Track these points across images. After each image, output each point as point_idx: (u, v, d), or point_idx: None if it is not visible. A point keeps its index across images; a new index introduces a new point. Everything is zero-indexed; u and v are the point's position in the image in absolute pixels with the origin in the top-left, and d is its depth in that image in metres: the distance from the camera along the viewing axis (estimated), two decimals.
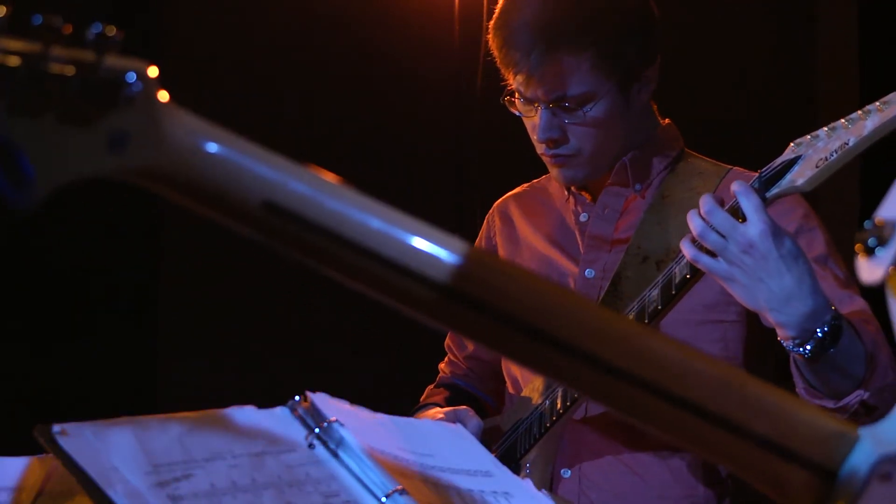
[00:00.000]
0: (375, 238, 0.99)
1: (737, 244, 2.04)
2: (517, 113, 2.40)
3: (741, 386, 1.03)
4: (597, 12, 2.33)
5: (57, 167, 0.89)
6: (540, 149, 2.41)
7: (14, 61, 0.87)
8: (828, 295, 2.10)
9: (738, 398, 1.02)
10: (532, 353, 1.02)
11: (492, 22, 2.39)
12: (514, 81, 2.37)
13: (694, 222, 2.07)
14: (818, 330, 2.05)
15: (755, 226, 2.03)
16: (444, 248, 1.00)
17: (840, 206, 3.96)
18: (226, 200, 0.95)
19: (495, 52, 2.38)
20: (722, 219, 2.05)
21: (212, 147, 0.94)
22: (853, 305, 2.23)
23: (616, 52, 2.33)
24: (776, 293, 2.04)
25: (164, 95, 0.93)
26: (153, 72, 0.93)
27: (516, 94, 2.37)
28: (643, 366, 1.01)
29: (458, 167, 4.34)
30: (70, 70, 0.88)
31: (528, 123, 2.41)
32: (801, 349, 2.06)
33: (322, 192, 0.98)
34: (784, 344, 2.09)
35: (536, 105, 2.35)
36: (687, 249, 2.10)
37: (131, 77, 0.91)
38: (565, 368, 1.02)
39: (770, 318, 2.08)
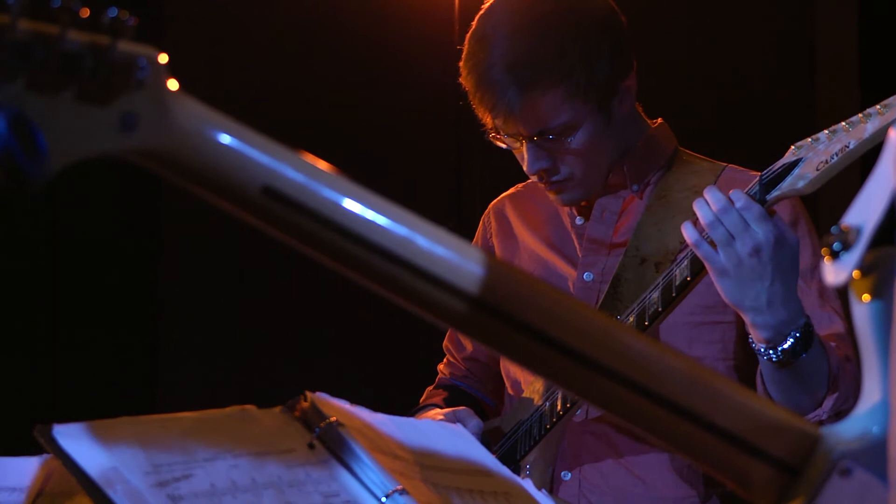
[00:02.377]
0: (382, 230, 1.02)
1: (744, 245, 2.05)
2: (504, 147, 2.39)
3: (709, 382, 1.08)
4: (563, 44, 2.30)
5: (70, 144, 0.92)
6: (533, 178, 2.41)
7: (33, 42, 0.90)
8: (806, 312, 2.13)
9: (707, 394, 1.07)
10: (537, 357, 1.04)
11: (461, 62, 2.38)
12: (492, 122, 2.35)
13: (702, 211, 2.08)
14: (791, 334, 2.08)
15: (765, 232, 2.05)
16: (469, 259, 1.03)
17: (840, 210, 3.95)
18: (226, 184, 0.98)
19: (469, 95, 2.36)
20: (735, 219, 2.06)
21: (216, 133, 0.98)
22: (830, 328, 2.25)
23: (589, 77, 2.31)
24: (763, 297, 2.07)
25: (173, 83, 0.97)
26: (163, 58, 0.96)
27: (500, 131, 2.36)
28: (626, 363, 1.05)
29: (458, 167, 4.35)
30: (85, 52, 0.92)
31: (517, 154, 2.40)
32: (771, 352, 2.09)
33: (321, 181, 1.01)
34: (755, 346, 2.12)
35: (520, 139, 2.35)
36: (689, 234, 2.10)
37: (143, 62, 0.95)
38: (564, 369, 1.04)
39: (747, 318, 2.11)
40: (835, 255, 1.04)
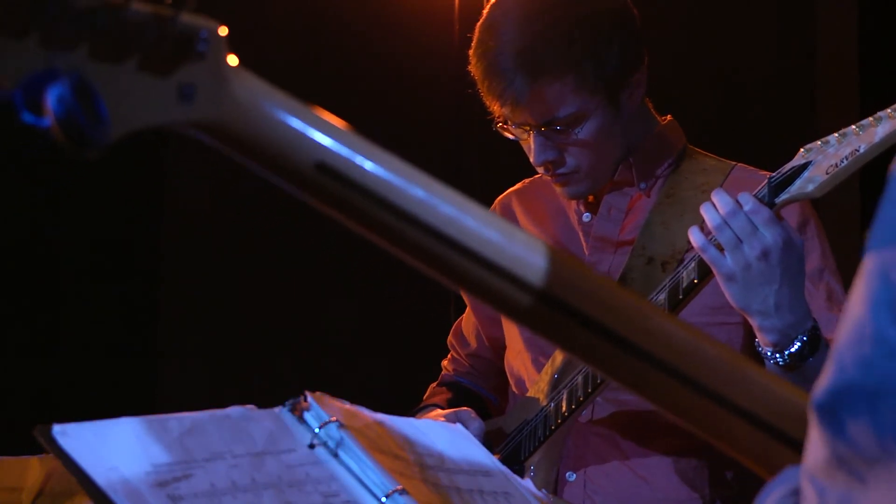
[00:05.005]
0: (436, 212, 1.02)
1: (752, 248, 2.05)
2: (512, 137, 2.38)
3: (741, 368, 1.08)
4: (572, 34, 2.29)
5: (130, 112, 0.93)
6: (540, 170, 2.40)
7: (97, 10, 0.91)
8: (814, 315, 2.12)
9: (738, 379, 1.07)
10: (593, 349, 1.04)
11: (471, 50, 2.37)
12: (500, 111, 2.34)
13: (709, 214, 2.07)
14: (798, 338, 2.08)
15: (774, 236, 2.04)
16: (535, 251, 1.02)
17: (841, 211, 3.96)
18: (280, 159, 0.99)
19: (477, 83, 2.35)
20: (743, 222, 2.05)
21: (272, 108, 0.99)
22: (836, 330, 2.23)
23: (598, 68, 2.30)
24: (770, 300, 2.07)
25: (232, 58, 0.98)
26: (223, 31, 0.97)
27: (508, 121, 2.36)
28: (672, 353, 1.05)
29: (458, 167, 4.35)
30: (148, 22, 0.93)
31: (524, 146, 2.40)
32: (778, 356, 2.09)
33: (375, 159, 1.02)
34: (762, 350, 2.11)
35: (528, 129, 2.34)
36: (696, 238, 2.09)
37: (204, 34, 0.96)
38: (619, 360, 1.05)
39: (754, 322, 2.10)
40: None
